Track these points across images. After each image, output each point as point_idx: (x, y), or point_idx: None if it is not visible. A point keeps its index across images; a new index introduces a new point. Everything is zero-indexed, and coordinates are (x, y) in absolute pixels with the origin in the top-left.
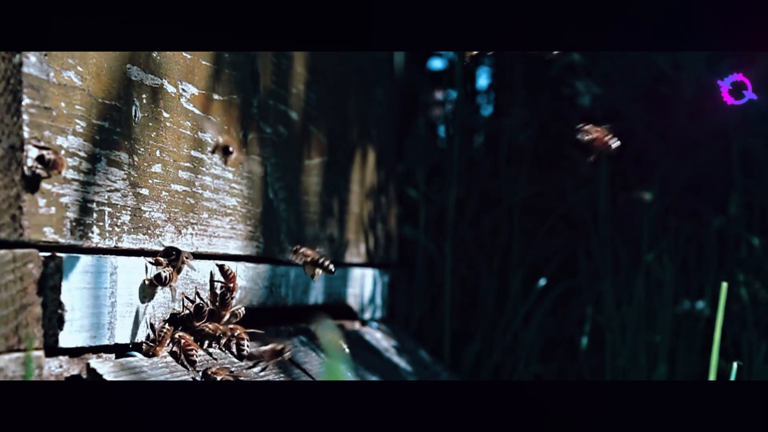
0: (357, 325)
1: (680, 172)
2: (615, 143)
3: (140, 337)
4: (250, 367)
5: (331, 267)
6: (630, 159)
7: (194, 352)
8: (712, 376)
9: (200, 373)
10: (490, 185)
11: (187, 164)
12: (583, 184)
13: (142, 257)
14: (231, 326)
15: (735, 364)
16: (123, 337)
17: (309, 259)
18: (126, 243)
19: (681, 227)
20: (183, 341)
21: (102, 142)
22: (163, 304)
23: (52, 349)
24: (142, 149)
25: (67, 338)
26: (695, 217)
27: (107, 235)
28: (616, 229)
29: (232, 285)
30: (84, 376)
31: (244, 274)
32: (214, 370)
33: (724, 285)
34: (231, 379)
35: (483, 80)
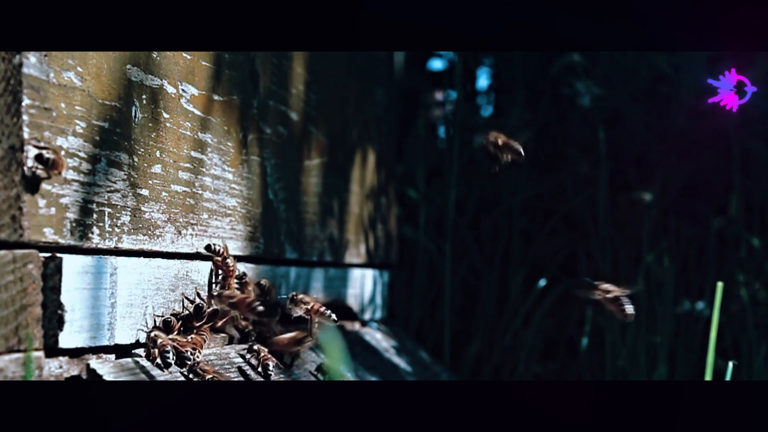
0: (357, 326)
1: (680, 172)
2: (519, 150)
3: (141, 337)
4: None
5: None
6: (630, 159)
7: (196, 351)
8: (708, 376)
9: (188, 368)
10: (490, 186)
11: (187, 165)
12: (583, 184)
13: (142, 258)
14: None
15: (730, 364)
16: (123, 337)
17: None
18: (126, 243)
19: (681, 228)
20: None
21: (102, 142)
22: (163, 304)
23: (52, 349)
24: (142, 150)
25: (67, 339)
26: (695, 218)
27: (107, 235)
28: (616, 229)
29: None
30: (84, 377)
31: None
32: (202, 366)
33: (720, 285)
34: (218, 376)
35: (483, 81)
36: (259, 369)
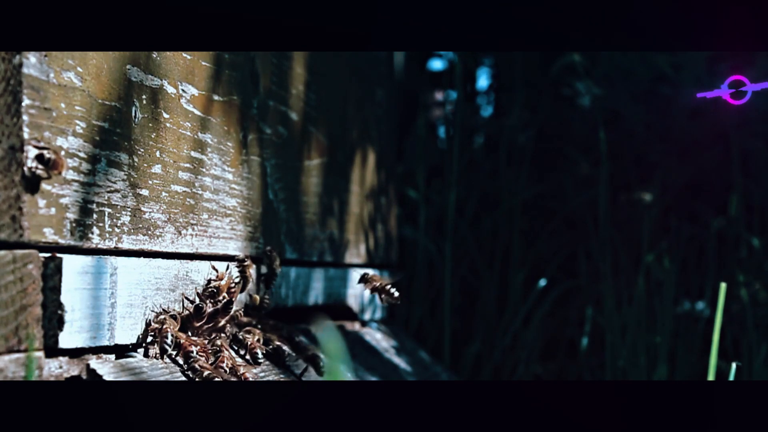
0: (357, 326)
1: (680, 172)
2: (395, 293)
3: (139, 336)
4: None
5: (396, 294)
6: (630, 159)
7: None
8: (711, 377)
9: (189, 367)
10: (490, 186)
11: (187, 165)
12: (584, 184)
13: (142, 258)
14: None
15: (734, 365)
16: (123, 337)
17: (377, 285)
18: (126, 244)
19: (681, 228)
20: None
21: (102, 142)
22: (163, 305)
23: (52, 349)
24: (142, 150)
25: (67, 339)
26: (695, 218)
27: (107, 235)
28: (616, 229)
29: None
30: (84, 377)
31: None
32: (201, 364)
33: (723, 285)
34: (216, 375)
35: (483, 81)
36: (248, 357)
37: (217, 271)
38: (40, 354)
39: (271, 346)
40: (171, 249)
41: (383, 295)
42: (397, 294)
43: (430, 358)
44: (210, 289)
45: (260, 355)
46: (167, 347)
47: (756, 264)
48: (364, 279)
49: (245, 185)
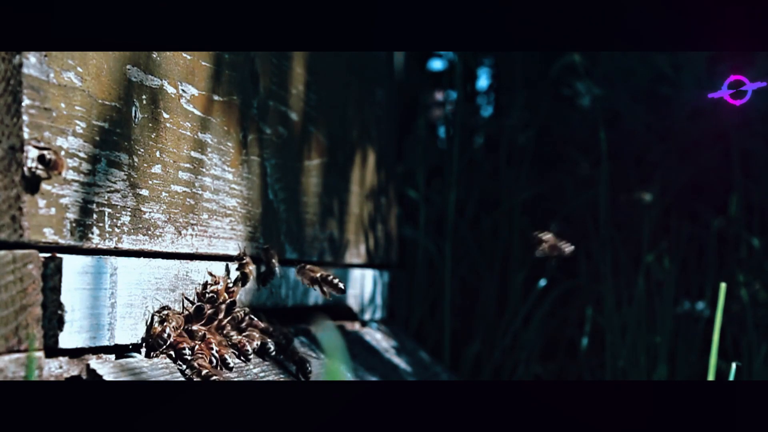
0: (357, 326)
1: (680, 172)
2: (568, 248)
3: (140, 337)
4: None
5: (341, 285)
6: (630, 160)
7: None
8: (711, 377)
9: (188, 367)
10: (490, 186)
11: (187, 165)
12: (584, 184)
13: (142, 258)
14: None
15: (734, 365)
16: (123, 337)
17: (317, 276)
18: (126, 244)
19: (681, 228)
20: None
21: (102, 143)
22: (163, 305)
23: (52, 349)
24: (142, 150)
25: (67, 339)
26: (695, 218)
27: (107, 235)
28: (616, 229)
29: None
30: (84, 377)
31: None
32: (201, 363)
33: (723, 286)
34: (217, 375)
35: (483, 81)
36: (241, 358)
37: (213, 276)
38: (40, 354)
39: (257, 342)
40: (171, 249)
41: (325, 287)
42: (342, 285)
43: (430, 358)
44: (209, 297)
45: (250, 351)
46: (161, 343)
47: (756, 264)
48: (300, 271)
49: (245, 185)
